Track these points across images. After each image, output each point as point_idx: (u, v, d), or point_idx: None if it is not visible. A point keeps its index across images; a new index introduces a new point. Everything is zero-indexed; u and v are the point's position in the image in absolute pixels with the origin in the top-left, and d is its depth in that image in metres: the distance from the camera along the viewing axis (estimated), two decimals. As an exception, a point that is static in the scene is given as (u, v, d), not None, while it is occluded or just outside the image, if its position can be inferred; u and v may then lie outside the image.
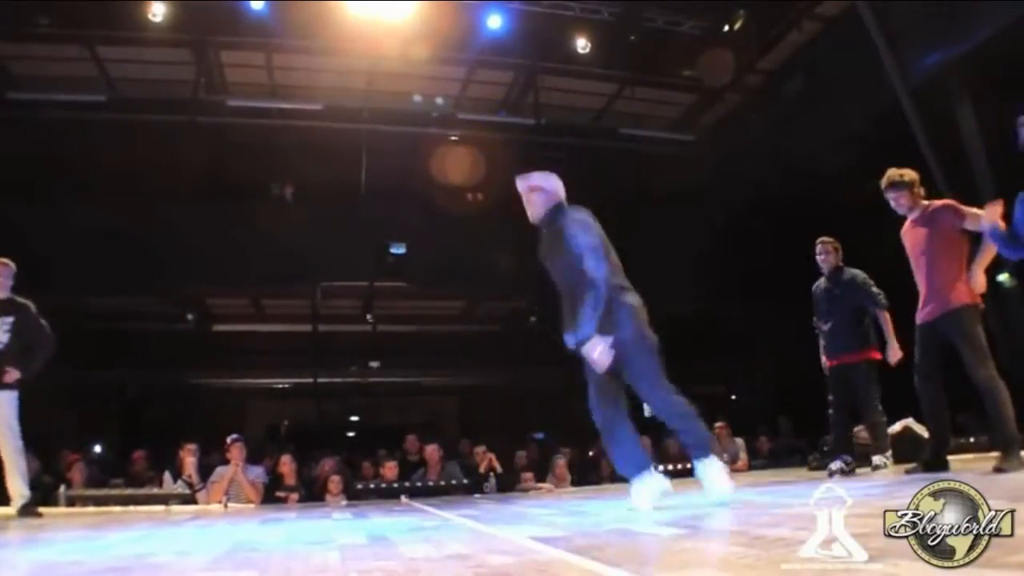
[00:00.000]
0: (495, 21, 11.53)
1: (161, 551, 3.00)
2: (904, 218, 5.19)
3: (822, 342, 6.38)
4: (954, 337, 4.74)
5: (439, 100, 13.15)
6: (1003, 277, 9.35)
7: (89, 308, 12.63)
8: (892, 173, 5.05)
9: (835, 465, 6.09)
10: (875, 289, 6.18)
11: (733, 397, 14.66)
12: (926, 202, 5.06)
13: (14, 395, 5.70)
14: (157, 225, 11.22)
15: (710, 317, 13.00)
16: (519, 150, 12.28)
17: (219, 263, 11.66)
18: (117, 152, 10.97)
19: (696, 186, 12.85)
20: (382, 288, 13.00)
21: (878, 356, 6.13)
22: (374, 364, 14.44)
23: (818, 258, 6.40)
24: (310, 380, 13.74)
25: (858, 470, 6.11)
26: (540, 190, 4.17)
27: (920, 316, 4.96)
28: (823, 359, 6.35)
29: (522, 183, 4.22)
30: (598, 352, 3.74)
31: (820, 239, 6.42)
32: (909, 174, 5.04)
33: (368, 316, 13.84)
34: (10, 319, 5.77)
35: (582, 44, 11.89)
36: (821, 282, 6.44)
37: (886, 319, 6.11)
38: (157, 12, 10.72)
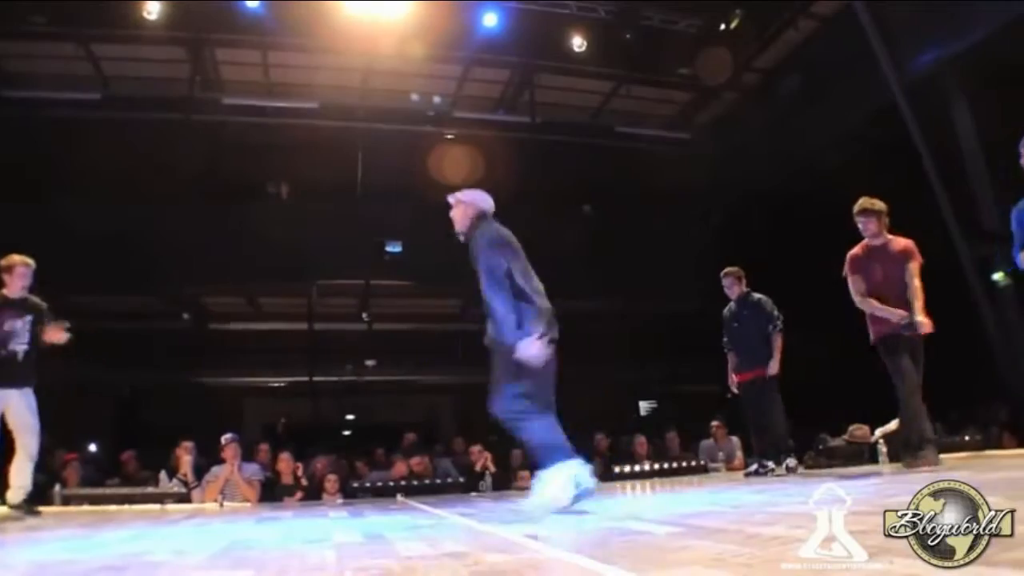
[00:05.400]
0: (491, 19, 11.51)
1: (157, 550, 2.99)
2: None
3: (731, 361, 7.14)
4: (920, 354, 5.59)
5: (436, 99, 13.13)
6: (998, 276, 9.38)
7: (83, 307, 12.55)
8: (865, 201, 5.72)
9: (752, 468, 6.93)
10: (776, 313, 6.95)
11: (729, 395, 14.67)
12: (890, 235, 5.73)
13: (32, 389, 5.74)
14: (152, 223, 11.19)
15: (707, 315, 13.00)
16: (516, 148, 12.27)
17: (215, 261, 11.63)
18: (112, 150, 10.93)
19: (693, 184, 12.86)
20: (378, 286, 12.99)
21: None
22: (370, 363, 14.42)
23: (726, 290, 7.19)
24: (306, 378, 13.72)
25: (775, 470, 6.74)
26: (460, 203, 4.34)
27: (895, 328, 5.53)
28: (732, 376, 7.13)
29: (450, 198, 4.41)
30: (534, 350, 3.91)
31: (724, 271, 7.22)
32: (879, 204, 5.71)
33: (364, 314, 13.82)
34: (29, 318, 5.80)
35: (578, 42, 11.88)
36: (731, 306, 7.19)
37: (779, 340, 6.85)
38: (152, 10, 10.67)
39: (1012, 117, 4.74)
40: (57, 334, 5.76)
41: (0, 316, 5.70)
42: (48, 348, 5.80)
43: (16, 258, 5.88)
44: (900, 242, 5.73)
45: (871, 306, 5.64)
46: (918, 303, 5.48)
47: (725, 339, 7.20)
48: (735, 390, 7.12)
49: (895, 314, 5.50)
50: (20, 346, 5.70)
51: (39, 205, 10.90)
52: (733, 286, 7.15)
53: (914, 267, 5.61)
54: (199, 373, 14.16)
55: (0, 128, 10.55)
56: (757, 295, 7.11)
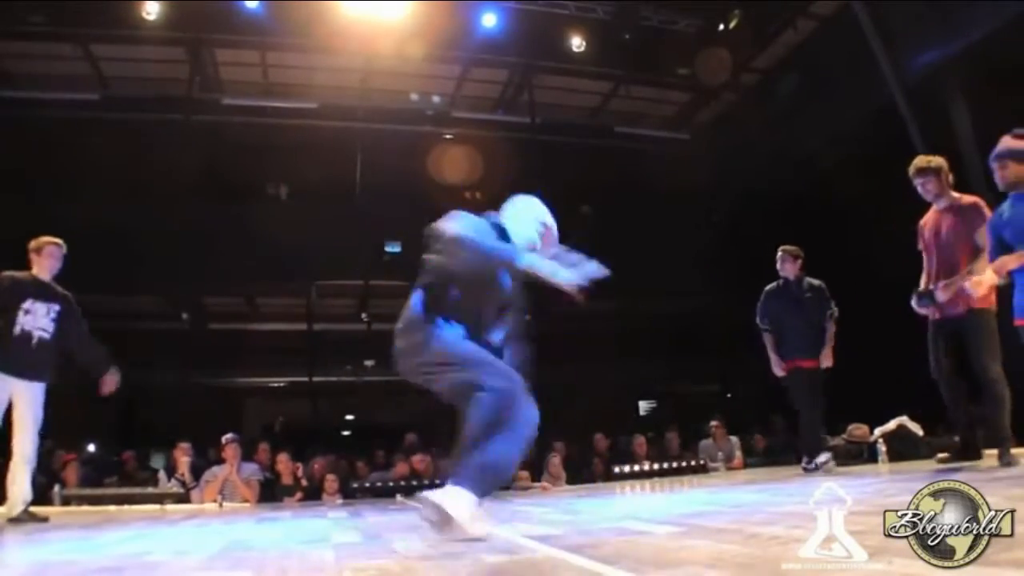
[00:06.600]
0: (490, 19, 11.52)
1: (156, 550, 2.99)
2: (918, 208, 5.16)
3: (770, 342, 6.50)
4: (970, 335, 4.73)
5: (436, 99, 13.14)
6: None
7: (83, 307, 12.55)
8: (920, 160, 5.02)
9: (822, 458, 6.31)
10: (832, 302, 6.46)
11: (729, 395, 14.67)
12: (956, 193, 4.99)
13: (43, 387, 5.46)
14: (151, 224, 11.16)
15: (706, 315, 13.02)
16: (515, 148, 12.27)
17: (214, 262, 11.60)
18: (111, 151, 10.93)
19: (692, 184, 12.85)
20: (377, 287, 12.97)
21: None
22: (369, 363, 14.41)
23: (777, 265, 6.56)
24: (305, 379, 13.70)
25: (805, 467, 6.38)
26: None
27: (938, 311, 4.87)
28: (778, 360, 6.43)
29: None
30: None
31: (782, 247, 6.59)
32: (937, 160, 5.00)
33: (363, 315, 13.82)
34: (56, 307, 5.60)
35: (577, 42, 11.89)
36: (782, 284, 6.57)
37: (833, 329, 6.34)
38: (151, 10, 10.69)
39: (1011, 117, 4.69)
40: (110, 384, 5.91)
41: (22, 295, 5.41)
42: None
43: (46, 239, 5.69)
44: (966, 200, 4.90)
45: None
46: (977, 266, 4.56)
47: (764, 319, 6.57)
48: (781, 373, 6.46)
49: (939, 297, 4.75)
50: (38, 332, 5.40)
51: (38, 205, 10.87)
52: (786, 263, 6.52)
53: (983, 230, 4.62)
54: (199, 373, 14.14)
55: (-1, 128, 10.56)
56: (815, 279, 6.56)
